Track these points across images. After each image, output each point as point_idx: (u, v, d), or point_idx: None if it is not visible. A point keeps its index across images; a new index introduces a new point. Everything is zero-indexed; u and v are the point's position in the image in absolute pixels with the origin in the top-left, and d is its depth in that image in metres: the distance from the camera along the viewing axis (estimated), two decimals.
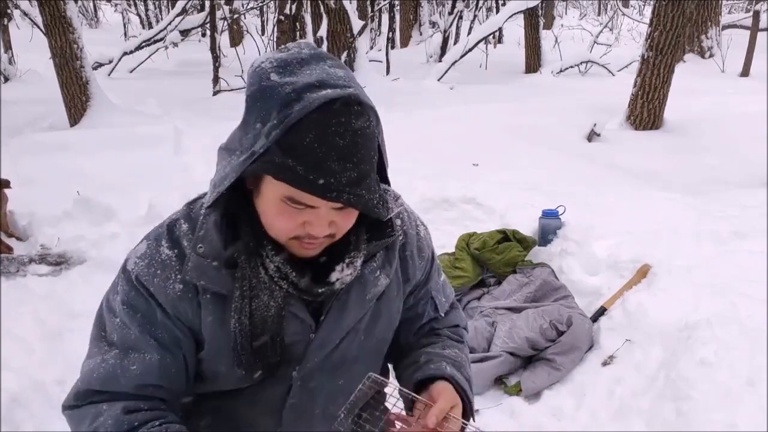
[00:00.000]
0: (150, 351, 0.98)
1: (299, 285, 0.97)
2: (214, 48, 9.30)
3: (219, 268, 0.96)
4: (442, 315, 1.24)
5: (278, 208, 0.90)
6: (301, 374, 1.05)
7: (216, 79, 9.15)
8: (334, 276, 0.98)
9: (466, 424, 1.06)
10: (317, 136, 0.84)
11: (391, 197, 1.06)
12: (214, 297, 0.98)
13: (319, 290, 0.98)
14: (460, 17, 13.96)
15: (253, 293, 0.96)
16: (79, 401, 1.00)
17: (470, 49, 10.43)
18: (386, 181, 1.01)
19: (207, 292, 0.98)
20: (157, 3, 21.08)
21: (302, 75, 0.87)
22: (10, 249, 3.73)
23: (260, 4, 13.99)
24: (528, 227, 3.55)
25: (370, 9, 13.70)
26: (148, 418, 0.97)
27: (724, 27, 12.24)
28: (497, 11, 13.88)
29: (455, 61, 10.26)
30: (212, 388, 1.06)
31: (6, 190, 3.83)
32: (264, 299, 0.96)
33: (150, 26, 18.41)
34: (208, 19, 10.49)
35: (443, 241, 3.54)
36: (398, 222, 1.10)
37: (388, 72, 10.93)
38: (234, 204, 0.96)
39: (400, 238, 1.11)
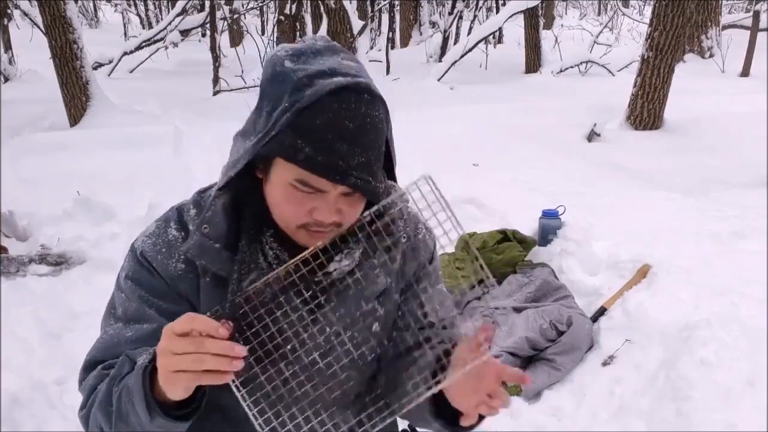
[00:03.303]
0: (148, 321, 1.00)
1: (296, 272, 0.97)
2: (214, 48, 9.30)
3: (220, 249, 0.98)
4: (435, 323, 1.15)
5: (287, 194, 0.92)
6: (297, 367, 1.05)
7: (216, 79, 9.15)
8: (332, 266, 0.99)
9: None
10: (327, 119, 0.86)
11: (397, 194, 1.06)
12: (214, 279, 0.99)
13: (316, 278, 0.99)
14: (460, 17, 13.95)
15: (251, 278, 0.97)
16: (86, 373, 1.03)
17: (470, 49, 10.42)
18: (393, 178, 1.02)
19: (207, 273, 0.99)
20: (157, 3, 21.06)
21: (315, 64, 0.89)
22: (5, 249, 3.72)
23: (260, 4, 13.98)
24: (528, 227, 3.55)
25: (370, 9, 13.71)
26: None
27: (724, 27, 12.23)
28: (497, 11, 13.87)
29: (455, 61, 10.26)
30: None
31: (3, 191, 3.82)
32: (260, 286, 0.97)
33: (150, 26, 18.39)
34: (208, 19, 10.49)
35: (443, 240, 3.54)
36: (401, 223, 1.09)
37: (388, 72, 10.92)
38: (242, 191, 0.98)
39: (403, 238, 1.10)
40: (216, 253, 0.98)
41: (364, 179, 0.89)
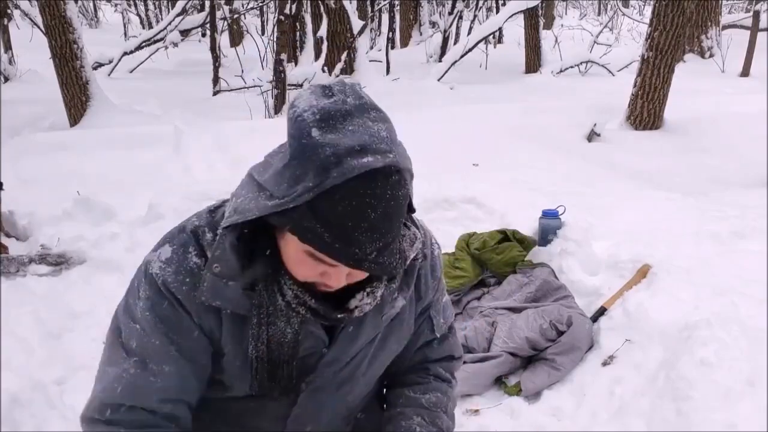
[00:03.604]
0: (170, 362, 0.97)
1: (318, 311, 0.97)
2: (214, 48, 9.30)
3: (236, 288, 0.95)
4: (438, 336, 1.22)
5: (299, 258, 0.91)
6: (310, 387, 1.05)
7: (216, 79, 9.15)
8: (353, 303, 0.98)
9: None
10: (350, 207, 0.83)
11: (411, 236, 1.03)
12: (233, 315, 0.98)
13: (338, 316, 0.98)
14: (460, 17, 13.95)
15: (270, 320, 0.96)
16: (101, 415, 0.98)
17: (470, 49, 10.42)
18: (411, 209, 0.97)
19: (227, 308, 0.98)
20: (157, 3, 21.06)
21: (344, 133, 0.84)
22: (5, 249, 3.72)
23: (260, 4, 13.97)
24: (528, 227, 3.55)
25: (370, 9, 13.69)
26: None
27: (724, 27, 12.23)
28: (497, 11, 13.87)
29: (455, 61, 10.25)
30: (224, 395, 1.06)
31: (3, 191, 3.81)
32: (280, 326, 0.96)
33: (150, 26, 18.39)
34: (208, 19, 10.49)
35: (443, 241, 3.51)
36: (419, 245, 1.08)
37: (388, 72, 10.92)
38: (251, 228, 0.95)
39: (419, 259, 1.10)
40: (231, 292, 0.95)
41: (378, 262, 0.87)
